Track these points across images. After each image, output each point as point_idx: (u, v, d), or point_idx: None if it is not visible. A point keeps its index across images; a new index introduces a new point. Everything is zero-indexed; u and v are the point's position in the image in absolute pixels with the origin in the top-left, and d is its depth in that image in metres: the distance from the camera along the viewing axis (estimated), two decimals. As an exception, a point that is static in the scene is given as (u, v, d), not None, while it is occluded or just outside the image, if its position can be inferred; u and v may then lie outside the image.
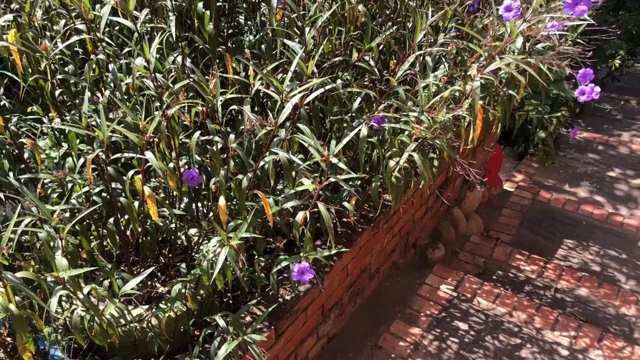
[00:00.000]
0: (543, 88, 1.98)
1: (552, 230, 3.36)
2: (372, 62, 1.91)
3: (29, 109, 2.18)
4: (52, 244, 1.56)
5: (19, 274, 1.29)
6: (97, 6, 2.14)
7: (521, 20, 1.62)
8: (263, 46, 2.10)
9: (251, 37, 2.29)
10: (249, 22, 2.44)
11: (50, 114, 2.05)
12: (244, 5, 2.35)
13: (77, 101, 2.11)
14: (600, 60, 4.96)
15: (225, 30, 2.34)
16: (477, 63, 1.91)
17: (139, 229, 1.79)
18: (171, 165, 1.78)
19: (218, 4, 2.20)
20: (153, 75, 1.71)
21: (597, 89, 1.84)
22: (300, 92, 1.47)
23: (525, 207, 3.58)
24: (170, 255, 2.21)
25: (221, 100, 1.58)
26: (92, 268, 1.52)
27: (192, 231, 2.18)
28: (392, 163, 1.80)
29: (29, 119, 2.11)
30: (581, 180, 3.92)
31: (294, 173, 1.85)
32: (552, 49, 1.98)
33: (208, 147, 1.86)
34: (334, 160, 1.49)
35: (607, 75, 5.11)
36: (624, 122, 4.76)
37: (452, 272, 2.83)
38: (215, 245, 1.53)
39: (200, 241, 2.13)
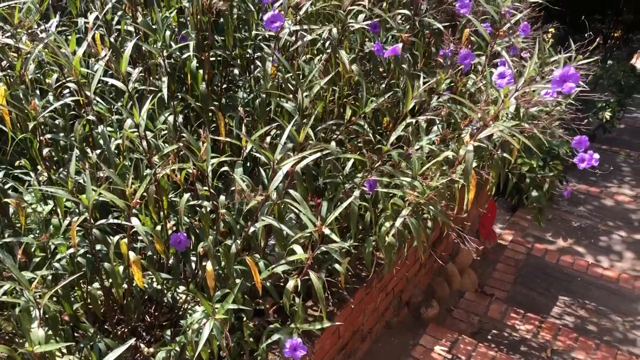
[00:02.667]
0: (537, 152, 1.97)
1: (547, 286, 3.31)
2: (366, 126, 1.90)
3: (16, 163, 2.14)
4: (31, 308, 1.50)
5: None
6: (92, 60, 2.13)
7: (514, 87, 1.62)
8: (257, 101, 2.08)
9: (244, 94, 2.29)
10: (243, 78, 2.44)
11: (38, 168, 2.01)
12: (239, 61, 2.35)
13: (65, 156, 2.08)
14: (591, 112, 5.02)
15: (219, 84, 2.33)
16: (471, 126, 1.90)
17: (122, 293, 1.73)
18: (158, 228, 1.74)
19: (212, 58, 2.20)
20: (143, 134, 1.69)
21: (596, 155, 1.84)
22: (291, 161, 1.44)
23: (520, 261, 3.53)
24: (156, 313, 2.14)
25: (212, 165, 1.55)
26: (69, 343, 1.45)
27: (180, 288, 2.12)
28: (385, 227, 1.77)
29: (17, 172, 2.07)
30: (575, 235, 3.89)
31: (285, 232, 1.81)
32: (546, 113, 1.98)
33: (197, 208, 1.82)
34: (327, 231, 1.46)
35: (598, 127, 5.15)
36: (615, 174, 4.78)
37: (446, 332, 2.76)
38: (200, 317, 1.47)
39: (187, 299, 2.07)
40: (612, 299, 3.20)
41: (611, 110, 5.00)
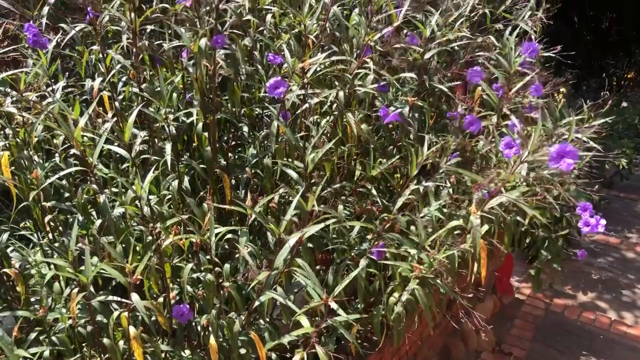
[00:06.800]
0: (550, 214, 1.90)
1: (568, 344, 3.17)
2: (374, 190, 1.86)
3: (21, 224, 2.12)
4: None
5: None
6: (99, 120, 2.13)
7: (522, 155, 1.57)
8: (265, 161, 2.05)
9: (252, 153, 2.25)
10: (251, 136, 2.41)
11: (41, 231, 1.99)
12: (246, 119, 2.33)
13: (70, 218, 2.06)
14: (607, 158, 4.91)
15: (228, 141, 2.30)
16: (480, 191, 1.85)
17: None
18: (160, 300, 1.69)
19: (219, 116, 2.18)
20: (146, 203, 1.66)
21: (603, 221, 1.78)
22: (298, 234, 1.40)
23: (539, 317, 3.40)
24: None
25: (216, 237, 1.51)
26: None
27: (186, 352, 2.05)
28: (393, 298, 1.70)
29: (22, 232, 2.05)
30: (596, 288, 3.75)
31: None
32: (558, 176, 1.92)
33: (201, 278, 1.78)
34: (334, 306, 1.40)
35: (615, 174, 5.03)
36: (633, 223, 4.65)
37: (462, 397, 2.64)
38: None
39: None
40: (636, 359, 3.05)
41: (628, 157, 4.89)
